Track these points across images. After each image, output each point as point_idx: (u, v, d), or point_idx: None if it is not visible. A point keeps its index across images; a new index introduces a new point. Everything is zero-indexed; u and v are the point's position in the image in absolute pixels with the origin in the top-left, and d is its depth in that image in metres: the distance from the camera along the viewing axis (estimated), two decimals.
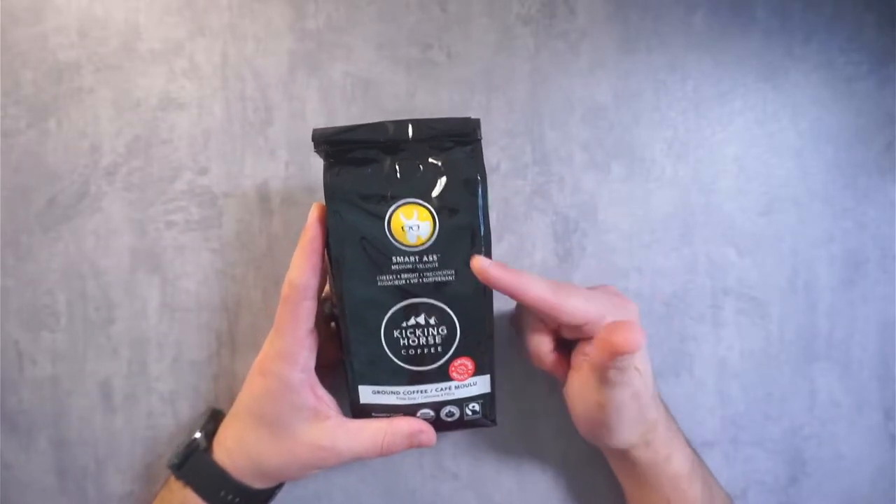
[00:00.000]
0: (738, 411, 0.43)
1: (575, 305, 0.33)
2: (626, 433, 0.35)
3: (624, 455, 0.36)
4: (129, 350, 0.42)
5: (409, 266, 0.32)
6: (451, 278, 0.33)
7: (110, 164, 0.42)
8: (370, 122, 0.33)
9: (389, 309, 0.33)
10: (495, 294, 0.34)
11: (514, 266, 0.42)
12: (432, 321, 0.33)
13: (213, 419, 0.39)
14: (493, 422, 0.37)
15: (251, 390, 0.36)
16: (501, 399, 0.42)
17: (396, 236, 0.32)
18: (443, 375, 0.34)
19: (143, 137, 0.42)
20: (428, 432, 0.35)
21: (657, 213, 0.43)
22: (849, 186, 0.43)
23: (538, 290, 0.33)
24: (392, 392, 0.35)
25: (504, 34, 0.42)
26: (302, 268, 0.33)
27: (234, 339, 0.42)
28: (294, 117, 0.42)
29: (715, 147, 0.43)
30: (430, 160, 0.32)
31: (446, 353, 0.34)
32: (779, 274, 0.43)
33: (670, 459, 0.36)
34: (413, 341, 0.34)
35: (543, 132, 0.42)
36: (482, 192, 0.32)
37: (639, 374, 0.33)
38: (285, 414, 0.34)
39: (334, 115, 0.42)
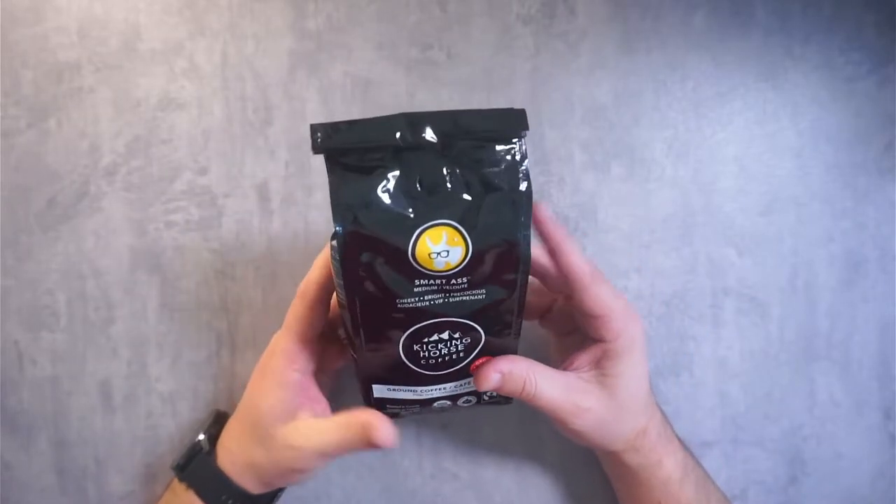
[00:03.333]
0: (738, 411, 0.43)
1: (601, 293, 0.33)
2: (606, 443, 0.36)
3: (614, 458, 0.37)
4: (129, 350, 0.42)
5: (434, 288, 0.28)
6: (481, 297, 0.29)
7: (110, 164, 0.42)
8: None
9: (409, 328, 0.29)
10: None
11: None
12: (456, 335, 0.30)
13: (218, 422, 0.39)
14: (509, 401, 0.36)
15: (250, 389, 0.36)
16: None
17: (422, 263, 0.27)
18: (463, 373, 0.32)
19: (143, 137, 0.42)
20: (382, 429, 0.32)
21: (657, 213, 0.43)
22: (849, 186, 0.43)
23: (577, 259, 0.32)
24: (409, 390, 0.33)
25: (504, 34, 0.42)
26: (323, 267, 0.32)
27: (234, 339, 0.42)
28: (294, 117, 0.42)
29: (715, 147, 0.43)
30: (459, 168, 0.27)
31: (469, 356, 0.31)
32: (779, 274, 0.43)
33: (661, 464, 0.36)
34: (434, 353, 0.31)
35: (543, 132, 0.42)
36: (526, 202, 0.27)
37: (588, 412, 0.34)
38: (269, 409, 0.34)
39: (334, 115, 0.42)
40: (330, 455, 0.33)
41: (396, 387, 0.33)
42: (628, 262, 0.43)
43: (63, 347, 0.42)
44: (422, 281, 0.28)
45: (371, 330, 0.30)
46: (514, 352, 0.33)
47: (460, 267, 0.27)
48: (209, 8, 0.42)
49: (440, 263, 0.27)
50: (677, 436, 0.38)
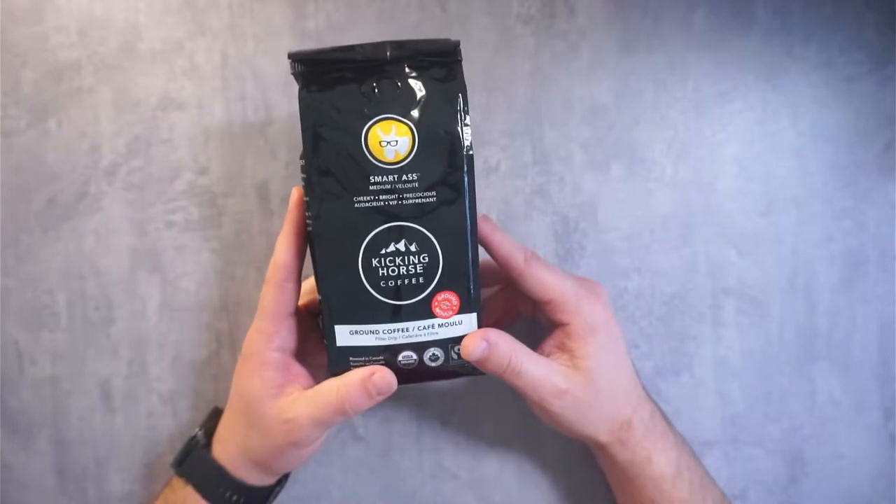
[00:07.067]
0: (738, 411, 0.43)
1: (541, 276, 0.34)
2: (588, 431, 0.35)
3: (603, 452, 0.37)
4: (129, 350, 0.42)
5: (388, 186, 0.32)
6: (432, 200, 0.32)
7: (110, 164, 0.42)
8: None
9: (368, 233, 0.32)
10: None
11: None
12: (413, 248, 0.32)
13: (214, 417, 0.39)
14: (479, 370, 0.35)
15: (236, 377, 0.36)
16: (502, 399, 0.42)
17: (374, 152, 0.31)
18: (425, 311, 0.33)
19: (143, 137, 0.42)
20: (380, 371, 0.32)
21: (657, 213, 0.43)
22: (849, 186, 0.43)
23: (508, 248, 0.34)
24: (371, 332, 0.33)
25: (504, 34, 0.42)
26: (285, 249, 0.33)
27: (234, 339, 0.42)
28: (294, 117, 0.42)
29: (715, 147, 0.43)
30: (410, 80, 0.32)
31: (428, 285, 0.33)
32: (779, 274, 0.43)
33: (651, 461, 0.36)
34: (392, 271, 0.32)
35: (543, 132, 0.42)
36: (462, 108, 0.32)
37: (566, 393, 0.34)
38: (257, 391, 0.34)
39: None
40: (326, 420, 0.33)
41: (358, 326, 0.33)
42: (628, 262, 0.43)
43: (63, 347, 0.42)
44: (376, 177, 0.32)
45: (332, 240, 0.32)
46: (478, 293, 0.33)
47: (409, 158, 0.32)
48: (209, 8, 0.42)
49: (390, 153, 0.32)
50: (676, 434, 0.38)
